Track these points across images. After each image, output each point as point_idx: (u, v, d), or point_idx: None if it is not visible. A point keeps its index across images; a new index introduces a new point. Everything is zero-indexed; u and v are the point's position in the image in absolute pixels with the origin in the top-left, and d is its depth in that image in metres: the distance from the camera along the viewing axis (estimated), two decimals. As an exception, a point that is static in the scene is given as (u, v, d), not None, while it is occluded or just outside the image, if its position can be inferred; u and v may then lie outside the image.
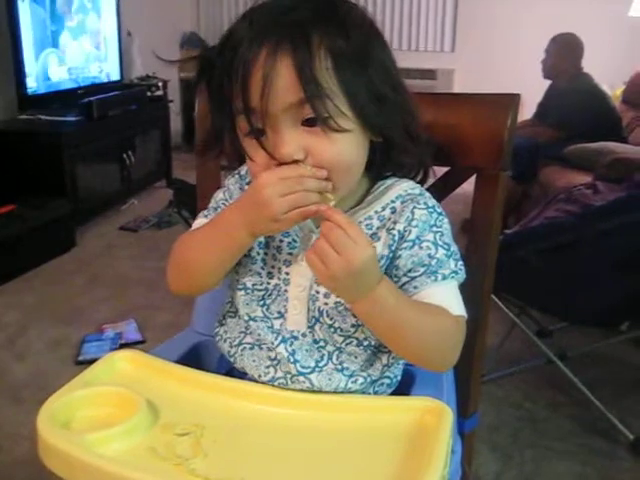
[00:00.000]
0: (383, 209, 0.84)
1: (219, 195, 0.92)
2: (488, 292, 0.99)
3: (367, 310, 0.75)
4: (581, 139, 3.26)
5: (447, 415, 0.72)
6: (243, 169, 0.92)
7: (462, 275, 0.83)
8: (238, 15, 0.79)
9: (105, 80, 4.15)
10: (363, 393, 0.85)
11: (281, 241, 0.86)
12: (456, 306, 0.80)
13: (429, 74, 5.16)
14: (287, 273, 0.86)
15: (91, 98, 3.66)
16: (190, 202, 3.38)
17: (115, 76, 4.27)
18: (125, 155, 3.96)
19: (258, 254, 0.87)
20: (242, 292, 0.88)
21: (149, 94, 4.40)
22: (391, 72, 0.80)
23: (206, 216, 0.91)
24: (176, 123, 4.99)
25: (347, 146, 0.77)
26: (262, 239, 0.87)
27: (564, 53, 3.66)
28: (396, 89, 0.80)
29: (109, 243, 3.52)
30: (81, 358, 2.31)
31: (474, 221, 0.99)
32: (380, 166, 0.86)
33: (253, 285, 0.87)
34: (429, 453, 0.66)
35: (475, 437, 1.12)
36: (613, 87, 4.31)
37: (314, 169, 0.74)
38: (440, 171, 1.03)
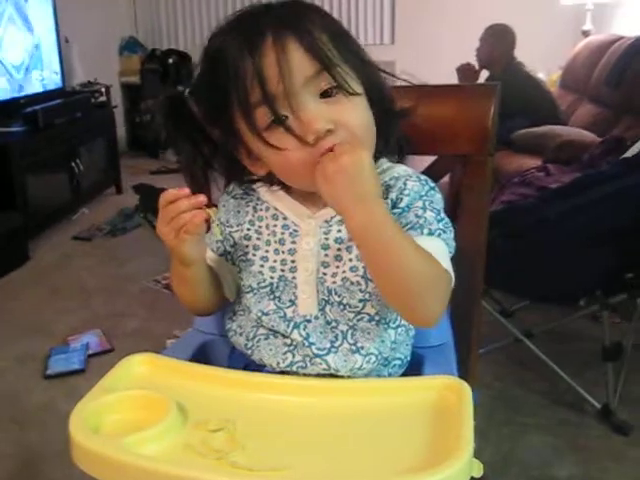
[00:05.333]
0: None
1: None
2: (481, 273, 1.03)
3: (364, 223, 0.74)
4: (519, 121, 3.38)
5: (466, 391, 0.75)
6: (234, 190, 0.96)
7: (450, 239, 0.84)
8: (210, 29, 0.85)
9: (47, 89, 4.06)
10: (378, 375, 0.88)
11: (282, 234, 0.90)
12: (443, 260, 0.80)
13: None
14: (293, 261, 0.89)
15: (35, 107, 3.58)
16: (155, 206, 3.36)
17: (57, 84, 4.17)
18: (73, 163, 3.89)
19: (254, 255, 0.91)
20: (250, 294, 0.91)
21: (93, 100, 4.33)
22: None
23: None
24: (120, 128, 4.92)
25: (364, 107, 0.83)
26: (258, 242, 0.91)
27: (497, 43, 3.77)
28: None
29: (64, 253, 3.45)
30: (50, 372, 2.26)
31: (464, 206, 1.03)
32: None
33: (258, 284, 0.91)
34: (457, 428, 0.69)
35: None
36: (550, 72, 4.45)
37: (185, 191, 0.79)
38: (426, 160, 1.07)
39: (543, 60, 4.39)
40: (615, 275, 1.87)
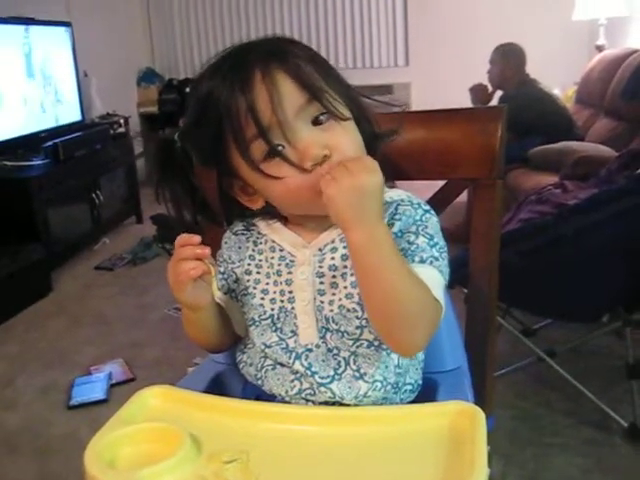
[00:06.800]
0: None
1: (218, 253, 0.99)
2: (494, 295, 1.03)
3: (363, 242, 0.75)
4: (535, 138, 3.38)
5: (480, 416, 0.75)
6: (235, 226, 0.98)
7: (444, 266, 0.83)
8: (199, 67, 0.88)
9: (67, 122, 4.13)
10: (390, 402, 0.88)
11: (279, 265, 0.91)
12: (434, 289, 0.80)
13: (385, 89, 5.24)
14: (290, 292, 0.90)
15: (56, 140, 3.65)
16: (171, 235, 3.40)
17: (76, 117, 4.25)
18: (94, 195, 3.95)
19: (255, 289, 0.93)
20: (253, 327, 0.93)
21: (112, 132, 4.40)
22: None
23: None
24: (139, 159, 4.98)
25: (355, 131, 0.85)
26: (258, 276, 0.93)
27: (507, 62, 3.79)
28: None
29: (86, 284, 3.50)
30: (73, 402, 2.28)
31: (475, 228, 1.03)
32: None
33: (259, 317, 0.92)
34: (470, 454, 0.69)
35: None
36: (565, 88, 4.45)
37: (195, 239, 0.81)
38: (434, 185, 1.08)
39: (558, 76, 4.39)
40: (636, 291, 1.85)
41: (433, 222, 0.87)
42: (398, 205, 0.87)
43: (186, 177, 0.91)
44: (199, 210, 0.93)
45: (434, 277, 0.82)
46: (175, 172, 0.90)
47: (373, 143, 0.89)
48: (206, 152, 0.87)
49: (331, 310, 0.87)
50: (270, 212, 0.92)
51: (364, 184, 0.75)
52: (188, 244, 0.81)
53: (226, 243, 0.98)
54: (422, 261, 0.82)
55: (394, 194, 0.90)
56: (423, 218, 0.86)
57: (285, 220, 0.92)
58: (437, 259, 0.83)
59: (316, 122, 0.81)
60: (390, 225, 0.85)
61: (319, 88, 0.81)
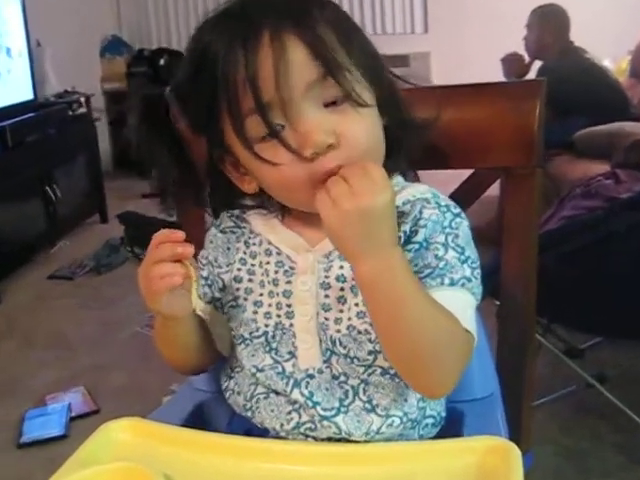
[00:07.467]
0: None
1: (201, 253, 0.98)
2: (532, 308, 1.02)
3: (375, 275, 0.74)
4: (580, 118, 3.38)
5: (514, 453, 0.75)
6: (223, 222, 0.97)
7: (476, 286, 0.83)
8: (192, 29, 0.86)
9: (16, 101, 4.13)
10: (407, 438, 0.87)
11: (276, 272, 0.90)
12: (464, 318, 0.79)
13: (400, 60, 5.23)
14: (289, 305, 0.89)
15: (3, 123, 3.66)
16: (142, 237, 3.40)
17: (27, 95, 4.24)
18: (48, 188, 3.97)
19: (246, 300, 0.92)
20: (242, 345, 0.92)
21: (70, 113, 4.41)
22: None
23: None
24: (104, 144, 4.99)
25: (373, 120, 0.83)
26: (250, 285, 0.92)
27: (547, 27, 3.78)
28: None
29: (40, 295, 3.51)
30: (24, 439, 2.28)
31: (509, 227, 1.03)
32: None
33: (250, 334, 0.91)
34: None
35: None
36: (617, 59, 4.45)
37: (177, 236, 0.79)
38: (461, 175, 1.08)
39: (608, 44, 4.39)
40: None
41: (464, 228, 0.86)
42: (423, 208, 0.85)
43: (174, 141, 0.90)
44: (184, 181, 0.92)
45: (465, 302, 0.82)
46: (162, 134, 0.89)
47: (398, 133, 0.87)
48: (197, 118, 0.86)
49: (338, 330, 0.86)
50: (265, 205, 0.92)
51: (371, 206, 0.73)
52: (168, 242, 0.80)
53: (211, 242, 0.97)
54: (452, 283, 0.81)
55: (416, 191, 0.88)
56: (452, 224, 0.85)
57: (284, 215, 0.91)
58: (469, 279, 0.82)
59: (327, 102, 0.80)
60: (414, 232, 0.84)
61: (338, 63, 0.79)
